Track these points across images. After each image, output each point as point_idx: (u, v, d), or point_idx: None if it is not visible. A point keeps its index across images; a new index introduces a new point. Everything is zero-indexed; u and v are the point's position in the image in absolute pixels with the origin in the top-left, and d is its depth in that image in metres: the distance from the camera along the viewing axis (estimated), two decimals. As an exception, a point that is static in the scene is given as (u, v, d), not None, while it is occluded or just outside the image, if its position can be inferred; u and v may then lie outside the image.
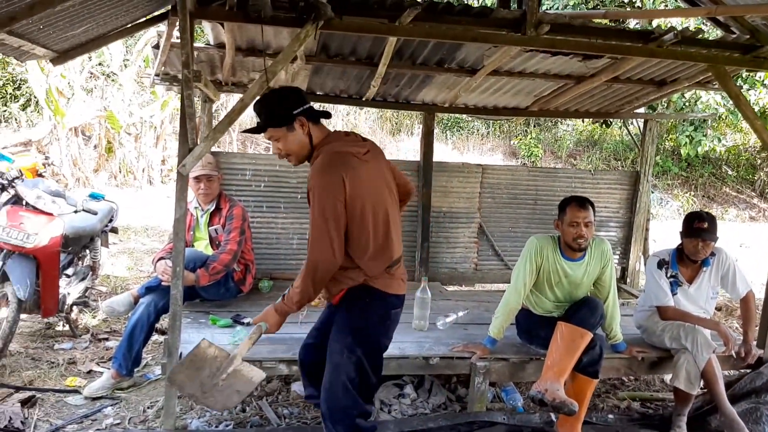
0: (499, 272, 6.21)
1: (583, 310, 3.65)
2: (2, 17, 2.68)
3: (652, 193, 14.54)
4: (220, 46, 4.27)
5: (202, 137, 3.35)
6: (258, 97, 2.78)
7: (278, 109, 2.68)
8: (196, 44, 3.97)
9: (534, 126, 16.79)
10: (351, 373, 2.75)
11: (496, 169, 6.35)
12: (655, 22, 8.98)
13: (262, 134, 2.77)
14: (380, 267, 2.76)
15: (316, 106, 2.87)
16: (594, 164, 15.51)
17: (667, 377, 4.48)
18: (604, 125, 14.23)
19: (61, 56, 3.84)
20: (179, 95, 11.75)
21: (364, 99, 5.49)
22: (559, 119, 16.89)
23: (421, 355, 3.86)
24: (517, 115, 6.13)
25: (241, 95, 3.93)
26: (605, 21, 7.74)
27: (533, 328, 3.98)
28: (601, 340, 3.69)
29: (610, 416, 4.12)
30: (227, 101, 12.52)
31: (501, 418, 3.86)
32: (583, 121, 16.16)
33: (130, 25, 3.82)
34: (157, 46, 4.42)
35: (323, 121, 2.82)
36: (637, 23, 9.61)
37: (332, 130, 2.84)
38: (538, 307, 3.96)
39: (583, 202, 3.70)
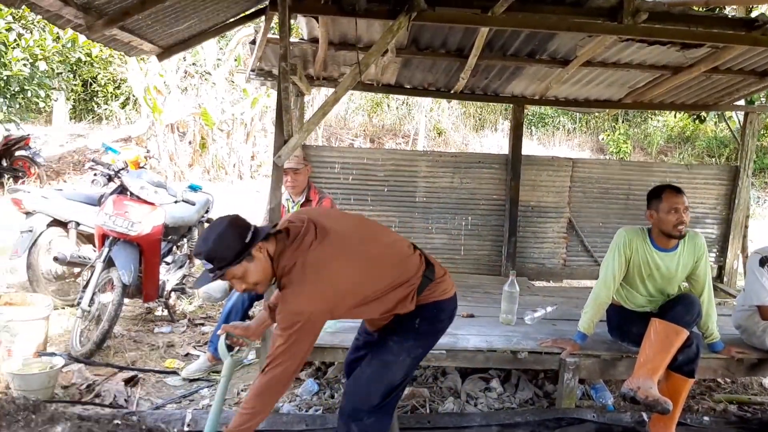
0: (588, 269, 6.07)
1: (679, 307, 3.52)
2: (116, 13, 2.84)
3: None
4: (314, 41, 4.37)
5: (295, 130, 3.43)
6: (199, 248, 2.45)
7: (232, 245, 2.40)
8: (290, 39, 4.08)
9: (623, 121, 16.28)
10: (397, 377, 2.64)
11: (587, 163, 6.22)
12: (755, 12, 8.54)
13: (221, 279, 2.48)
14: (412, 291, 2.61)
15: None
16: (687, 161, 14.90)
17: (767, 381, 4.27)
18: (697, 120, 13.62)
19: (165, 52, 4.04)
20: (268, 93, 12.05)
21: (452, 92, 5.48)
22: (649, 114, 16.32)
23: (509, 349, 3.82)
24: (609, 107, 5.98)
25: (332, 89, 4.01)
26: (704, 8, 7.41)
27: (625, 325, 3.87)
28: (698, 339, 3.55)
29: (706, 418, 3.95)
30: (313, 99, 12.76)
31: (590, 416, 3.78)
32: (675, 116, 15.53)
33: (230, 21, 3.96)
34: (253, 42, 4.56)
35: None
36: (735, 11, 9.16)
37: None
38: (630, 302, 3.85)
39: (677, 188, 3.61)
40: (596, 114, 15.99)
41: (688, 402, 4.32)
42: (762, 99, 11.64)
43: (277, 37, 3.39)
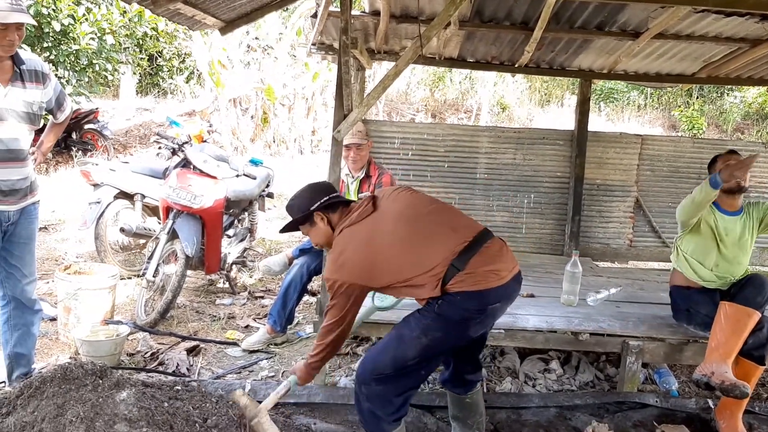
0: (656, 250, 5.88)
1: (749, 289, 3.39)
2: (179, -14, 2.85)
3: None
4: (375, 13, 4.31)
5: (355, 104, 3.39)
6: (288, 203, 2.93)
7: (301, 208, 2.84)
8: (352, 12, 4.03)
9: (697, 97, 15.63)
10: (409, 353, 2.63)
11: (657, 140, 5.97)
12: None
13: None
14: (435, 280, 2.59)
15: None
16: (766, 139, 14.22)
17: None
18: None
19: (228, 25, 4.05)
20: (329, 68, 12.03)
21: (516, 66, 5.33)
22: (726, 90, 15.62)
23: (569, 330, 3.73)
24: (682, 82, 5.71)
25: (393, 63, 3.94)
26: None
27: (692, 307, 3.73)
28: (768, 323, 3.41)
29: (776, 407, 3.80)
30: (374, 73, 12.69)
31: (653, 401, 3.68)
32: (752, 88, 14.79)
33: (291, -6, 3.94)
34: (315, 15, 4.53)
35: None
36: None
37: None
38: (698, 275, 3.70)
39: (734, 150, 3.64)
40: (669, 89, 15.37)
41: (757, 390, 4.16)
42: None
43: (338, 10, 3.35)
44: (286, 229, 2.97)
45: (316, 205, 2.79)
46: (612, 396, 3.75)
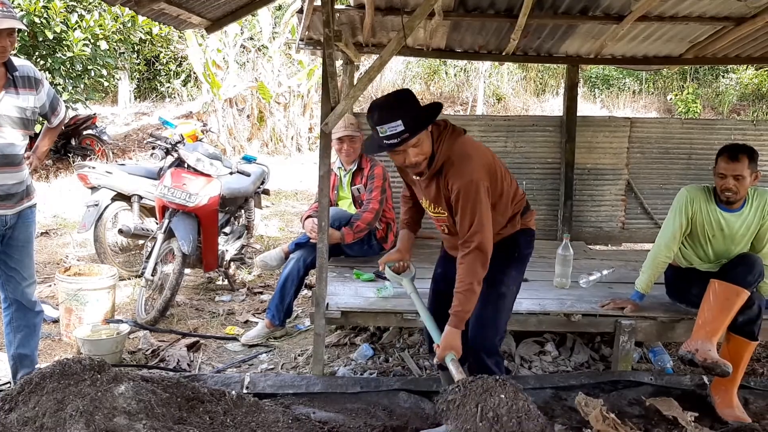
0: (648, 231, 5.91)
1: (740, 267, 3.40)
2: (163, -14, 2.89)
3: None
4: (360, 6, 4.34)
5: (342, 96, 3.44)
6: (384, 103, 2.72)
7: (422, 109, 2.67)
8: (337, 6, 4.07)
9: (691, 80, 15.63)
10: (511, 305, 3.08)
11: (646, 122, 6.01)
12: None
13: (401, 146, 2.65)
14: (517, 209, 3.01)
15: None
16: (761, 118, 14.22)
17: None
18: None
19: (214, 24, 4.08)
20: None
21: (504, 54, 5.36)
22: (721, 71, 15.59)
23: (562, 312, 3.79)
24: (669, 64, 5.73)
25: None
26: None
27: (684, 286, 3.78)
28: (760, 300, 3.43)
29: (771, 381, 3.85)
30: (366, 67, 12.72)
31: (648, 379, 3.72)
32: (747, 69, 14.76)
33: (275, -10, 3.97)
34: (300, 11, 4.57)
35: None
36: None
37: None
38: (690, 263, 3.74)
39: (735, 154, 3.41)
40: (663, 74, 15.40)
41: (752, 365, 4.20)
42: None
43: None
44: (375, 149, 2.82)
45: (436, 106, 2.72)
46: (607, 375, 3.79)
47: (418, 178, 2.86)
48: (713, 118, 13.04)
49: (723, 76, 15.87)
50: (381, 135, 2.62)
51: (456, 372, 2.74)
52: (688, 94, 14.54)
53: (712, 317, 3.35)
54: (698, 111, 14.25)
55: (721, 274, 3.44)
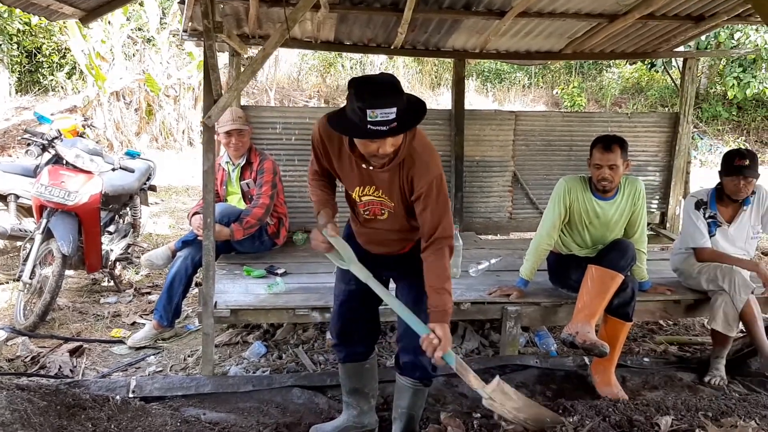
0: (534, 220, 6.11)
1: (614, 253, 3.60)
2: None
3: (701, 139, 14.08)
4: (244, -2, 4.26)
5: (225, 89, 3.36)
6: (378, 88, 2.39)
7: (410, 103, 2.47)
8: (220, -3, 3.98)
9: (577, 74, 16.35)
10: None
11: (530, 116, 6.22)
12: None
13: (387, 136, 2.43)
14: None
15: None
16: (638, 110, 15.05)
17: (706, 321, 4.39)
18: (652, 69, 13.66)
19: (89, 14, 3.89)
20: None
21: (393, 47, 5.40)
22: (604, 66, 16.40)
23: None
24: (550, 58, 5.98)
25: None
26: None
27: (565, 272, 3.95)
28: (633, 283, 3.65)
29: (646, 359, 4.08)
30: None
31: (533, 362, 3.87)
32: (628, 65, 15.60)
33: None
34: (183, 1, 4.43)
35: None
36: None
37: None
38: (569, 250, 3.93)
39: (609, 145, 3.59)
40: (551, 68, 16.04)
41: (629, 344, 4.45)
42: (710, 47, 11.83)
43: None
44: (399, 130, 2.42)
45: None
46: (495, 360, 3.91)
47: (371, 167, 2.64)
48: (593, 111, 13.66)
49: (606, 71, 16.69)
50: (369, 119, 2.35)
51: (475, 381, 2.72)
52: (573, 87, 15.21)
53: (590, 301, 3.52)
54: (583, 104, 14.92)
55: (597, 260, 3.63)
